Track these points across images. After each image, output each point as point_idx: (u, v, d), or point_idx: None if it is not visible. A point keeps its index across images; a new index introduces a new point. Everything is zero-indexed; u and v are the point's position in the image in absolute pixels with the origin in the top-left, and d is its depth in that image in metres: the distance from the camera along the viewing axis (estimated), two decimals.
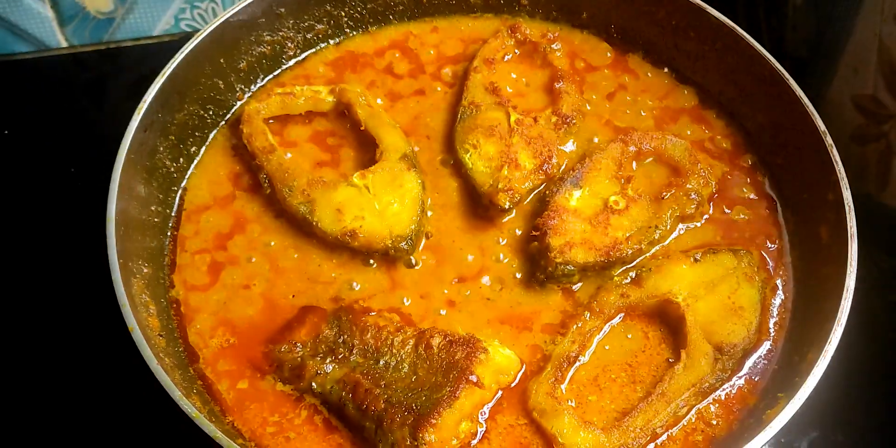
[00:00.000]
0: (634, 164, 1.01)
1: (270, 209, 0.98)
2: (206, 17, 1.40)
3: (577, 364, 0.86)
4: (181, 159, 1.00)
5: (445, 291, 0.93)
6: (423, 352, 0.83)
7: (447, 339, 0.84)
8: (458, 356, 0.82)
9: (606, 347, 0.88)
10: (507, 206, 0.95)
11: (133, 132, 0.90)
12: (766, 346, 0.90)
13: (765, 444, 0.77)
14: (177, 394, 0.74)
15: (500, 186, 0.95)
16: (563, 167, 1.00)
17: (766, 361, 0.89)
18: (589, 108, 1.06)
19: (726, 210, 0.99)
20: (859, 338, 0.90)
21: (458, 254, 0.95)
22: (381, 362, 0.84)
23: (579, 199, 0.95)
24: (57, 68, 1.36)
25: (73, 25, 1.36)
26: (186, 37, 1.35)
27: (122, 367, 0.82)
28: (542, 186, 0.98)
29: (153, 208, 0.95)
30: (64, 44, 1.37)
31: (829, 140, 0.94)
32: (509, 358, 0.85)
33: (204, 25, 1.36)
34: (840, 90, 1.24)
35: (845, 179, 0.91)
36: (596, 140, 1.04)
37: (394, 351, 0.84)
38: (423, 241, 0.96)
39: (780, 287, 0.94)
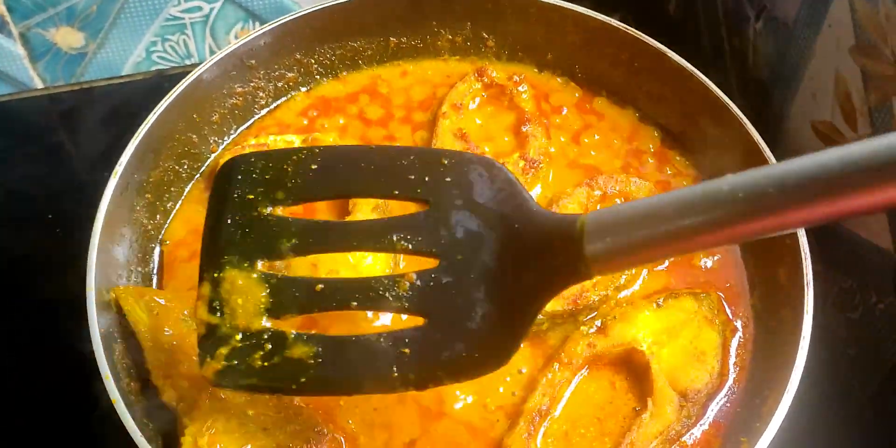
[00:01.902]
0: (599, 206, 1.03)
1: None
2: (177, 50, 1.41)
3: (549, 418, 0.90)
4: (158, 216, 1.02)
5: None
6: None
7: None
8: None
9: (576, 401, 0.91)
10: None
11: (109, 197, 0.91)
12: (729, 388, 0.94)
13: None
14: None
15: None
16: None
17: (728, 404, 0.93)
18: (554, 150, 1.09)
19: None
20: (820, 355, 0.93)
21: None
22: None
23: None
24: (32, 108, 1.37)
25: (44, 62, 1.36)
26: (159, 74, 1.38)
27: (103, 433, 0.84)
28: None
29: (132, 268, 0.97)
30: (37, 80, 1.38)
31: None
32: None
33: (175, 58, 1.39)
34: (800, 114, 1.27)
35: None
36: (564, 181, 1.07)
37: None
38: None
39: (740, 329, 0.97)
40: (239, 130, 1.11)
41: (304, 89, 1.14)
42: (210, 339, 0.70)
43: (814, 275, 0.92)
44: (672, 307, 0.95)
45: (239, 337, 0.69)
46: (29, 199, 1.26)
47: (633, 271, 0.98)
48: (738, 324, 0.98)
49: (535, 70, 1.16)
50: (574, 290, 0.94)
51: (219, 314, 0.70)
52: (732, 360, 0.95)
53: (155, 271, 1.00)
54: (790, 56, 1.26)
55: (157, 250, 1.01)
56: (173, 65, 1.41)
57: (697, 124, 1.08)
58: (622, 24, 1.08)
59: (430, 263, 0.69)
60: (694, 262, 1.01)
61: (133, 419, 0.78)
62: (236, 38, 1.26)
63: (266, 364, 0.69)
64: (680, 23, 1.45)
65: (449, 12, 1.14)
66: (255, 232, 0.71)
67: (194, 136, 1.05)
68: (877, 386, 1.10)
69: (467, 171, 0.70)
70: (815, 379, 0.92)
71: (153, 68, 1.41)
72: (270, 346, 0.69)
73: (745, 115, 1.02)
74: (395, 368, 0.67)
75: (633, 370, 0.93)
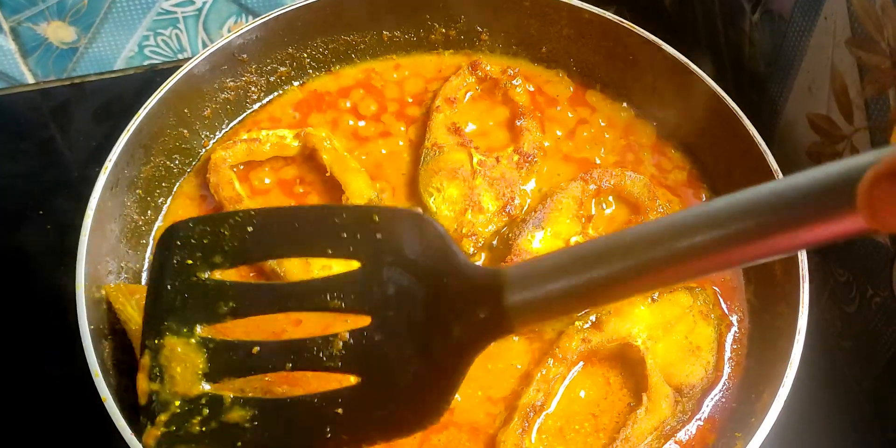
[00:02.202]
0: (595, 202, 1.03)
1: None
2: (170, 44, 1.40)
3: (544, 414, 0.89)
4: (149, 212, 1.01)
5: None
6: None
7: None
8: None
9: (570, 396, 0.91)
10: (471, 252, 0.97)
11: (99, 193, 0.91)
12: (724, 383, 0.93)
13: None
14: None
15: (463, 231, 0.97)
16: (525, 207, 1.03)
17: (723, 400, 0.92)
18: (548, 144, 1.08)
19: None
20: (816, 349, 0.93)
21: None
22: None
23: (542, 240, 0.98)
24: (23, 104, 1.36)
25: (35, 56, 1.36)
26: (152, 69, 1.37)
27: (92, 429, 0.83)
28: (504, 228, 1.01)
29: (123, 265, 0.96)
30: (28, 75, 1.37)
31: (780, 177, 0.96)
32: None
33: (168, 52, 1.39)
34: (796, 107, 1.26)
35: None
36: (559, 175, 1.06)
37: None
38: None
39: (736, 324, 0.97)
40: (231, 125, 1.10)
41: (296, 84, 1.14)
42: (150, 405, 0.72)
43: (809, 269, 0.91)
44: (667, 302, 0.94)
45: (178, 403, 0.71)
46: (20, 194, 1.25)
47: None
48: (734, 319, 0.97)
49: (530, 63, 1.16)
50: None
51: (159, 381, 0.72)
52: (728, 354, 0.95)
53: (146, 268, 0.99)
54: (786, 49, 1.25)
55: (148, 247, 1.00)
56: (166, 59, 1.40)
57: (693, 118, 1.07)
58: (617, 17, 1.07)
59: (363, 320, 0.70)
60: None
61: (123, 416, 0.78)
62: (229, 32, 1.25)
63: (204, 429, 0.70)
64: (675, 15, 1.44)
65: (442, 5, 1.13)
66: (194, 297, 0.73)
67: (186, 131, 1.04)
68: (873, 379, 1.09)
69: (398, 227, 0.71)
70: (811, 372, 0.92)
71: (146, 63, 1.40)
72: (208, 411, 0.71)
73: (740, 108, 1.01)
74: (328, 429, 0.68)
75: (628, 365, 0.93)
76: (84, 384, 0.81)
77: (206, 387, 0.71)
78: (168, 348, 0.72)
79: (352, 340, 0.69)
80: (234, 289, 0.73)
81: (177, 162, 1.04)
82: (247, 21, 1.36)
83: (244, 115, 1.11)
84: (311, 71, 1.14)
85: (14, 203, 1.24)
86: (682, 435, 0.90)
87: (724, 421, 0.91)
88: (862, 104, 1.04)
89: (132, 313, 0.89)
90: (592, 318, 0.93)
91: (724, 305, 0.98)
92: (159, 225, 1.02)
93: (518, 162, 1.04)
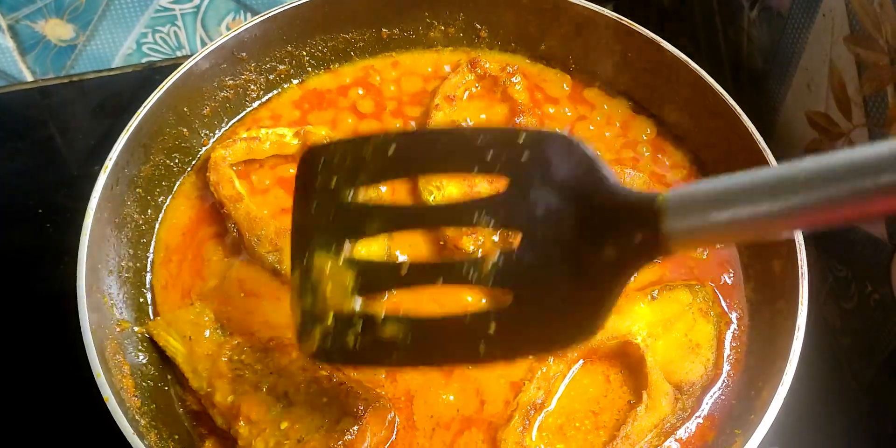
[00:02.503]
0: None
1: (240, 255, 1.00)
2: (168, 42, 1.40)
3: (544, 411, 0.90)
4: (149, 211, 1.01)
5: None
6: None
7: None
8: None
9: (571, 394, 0.91)
10: (471, 250, 0.97)
11: (99, 193, 0.91)
12: (723, 381, 0.94)
13: None
14: None
15: (463, 230, 0.97)
16: None
17: (723, 397, 0.93)
18: None
19: None
20: (815, 345, 0.94)
21: (424, 298, 0.97)
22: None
23: None
24: (22, 102, 1.36)
25: (33, 54, 1.35)
26: (150, 67, 1.37)
27: (94, 429, 0.83)
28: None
29: (124, 264, 0.96)
30: (27, 73, 1.37)
31: None
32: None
33: (167, 49, 1.39)
34: (794, 104, 1.27)
35: None
36: None
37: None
38: None
39: (735, 321, 0.97)
40: (230, 123, 1.10)
41: (295, 82, 1.14)
42: (305, 322, 0.74)
43: (808, 265, 0.92)
44: (667, 299, 0.95)
45: (331, 319, 0.73)
46: (19, 193, 1.25)
47: None
48: (733, 316, 0.98)
49: (529, 61, 1.16)
50: None
51: (310, 299, 0.73)
52: (727, 352, 0.95)
53: (149, 269, 1.00)
54: (784, 46, 1.25)
55: (150, 246, 1.00)
56: (164, 57, 1.40)
57: (691, 115, 1.07)
58: (615, 14, 1.07)
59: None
60: (694, 253, 1.01)
61: (125, 415, 0.78)
62: (228, 29, 1.25)
63: (358, 344, 0.72)
64: (674, 12, 1.44)
65: (441, 3, 1.13)
66: (340, 217, 0.73)
67: (185, 130, 1.05)
68: (872, 375, 1.10)
69: (545, 148, 0.69)
70: (810, 368, 0.92)
71: (144, 60, 1.40)
72: (361, 328, 0.72)
73: (739, 105, 1.01)
74: (482, 346, 0.68)
75: (628, 363, 0.93)
76: (85, 384, 0.81)
77: (358, 302, 0.72)
78: (317, 267, 0.73)
79: (502, 260, 0.69)
80: (379, 209, 0.73)
81: (176, 161, 1.04)
82: (245, 18, 1.36)
83: (244, 113, 1.11)
84: (310, 69, 1.14)
85: (13, 202, 1.25)
86: (681, 432, 0.90)
87: (723, 418, 0.91)
88: (860, 101, 1.04)
89: (177, 346, 0.92)
90: None
91: (723, 303, 0.98)
92: (160, 224, 1.02)
93: None
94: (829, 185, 0.55)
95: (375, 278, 0.73)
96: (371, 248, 0.96)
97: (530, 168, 0.69)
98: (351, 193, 0.73)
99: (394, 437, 0.88)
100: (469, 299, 0.95)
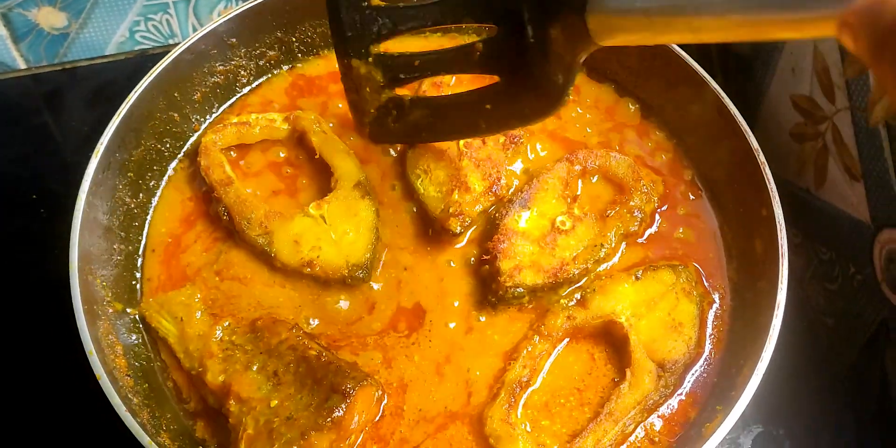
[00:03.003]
0: (580, 182, 1.05)
1: (231, 239, 1.01)
2: (161, 29, 1.40)
3: (530, 389, 0.91)
4: (141, 195, 1.02)
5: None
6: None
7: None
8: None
9: (556, 372, 0.93)
10: (458, 231, 0.99)
11: (91, 176, 0.92)
12: (705, 359, 0.95)
13: None
14: (146, 439, 0.78)
15: (451, 211, 0.99)
16: (511, 188, 1.04)
17: (705, 375, 0.94)
18: (536, 125, 1.10)
19: (666, 226, 1.03)
20: (799, 327, 0.95)
21: (412, 279, 0.99)
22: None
23: (528, 220, 0.99)
24: (15, 89, 1.37)
25: (27, 42, 1.36)
26: (143, 54, 1.38)
27: (88, 408, 0.84)
28: (491, 208, 1.02)
29: (116, 246, 0.98)
30: (20, 61, 1.38)
31: (762, 158, 0.98)
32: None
33: (159, 37, 1.39)
34: (780, 89, 1.28)
35: (777, 197, 0.96)
36: (543, 154, 1.08)
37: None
38: (379, 267, 1.00)
39: (718, 301, 0.99)
40: (221, 109, 1.12)
41: (285, 68, 1.15)
42: (356, 112, 0.94)
43: (794, 247, 0.93)
44: (650, 280, 0.96)
45: (373, 110, 0.93)
46: (13, 179, 1.26)
47: (613, 245, 0.99)
48: (716, 296, 0.99)
49: None
50: (554, 263, 0.96)
51: (354, 93, 0.92)
52: (709, 331, 0.97)
53: (141, 252, 1.01)
54: None
55: (144, 230, 1.02)
56: (157, 44, 1.41)
57: (677, 99, 1.09)
58: None
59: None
60: (673, 232, 1.03)
61: (118, 394, 0.80)
62: (219, 16, 1.26)
63: (397, 125, 0.92)
64: None
65: None
66: (364, 21, 0.88)
67: (176, 115, 1.06)
68: (854, 356, 1.11)
69: None
70: (794, 349, 0.94)
71: (136, 48, 1.41)
72: (396, 112, 0.92)
73: (725, 90, 1.03)
74: (482, 121, 0.87)
75: (612, 342, 0.94)
76: (80, 364, 0.83)
77: (390, 94, 0.91)
78: (355, 69, 0.90)
79: (485, 48, 0.84)
80: (392, 9, 0.87)
81: (168, 145, 1.06)
82: (236, 5, 1.37)
83: (234, 98, 1.13)
84: (299, 55, 1.15)
85: (7, 188, 1.26)
86: (664, 409, 0.92)
87: (705, 395, 0.93)
88: (843, 85, 1.05)
89: (168, 326, 0.94)
90: (577, 296, 0.95)
91: (706, 283, 1.00)
92: (152, 208, 1.04)
93: (504, 143, 1.05)
94: None
95: (397, 70, 0.89)
96: (360, 230, 0.98)
97: None
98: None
99: (379, 414, 0.90)
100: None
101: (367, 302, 0.98)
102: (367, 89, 0.91)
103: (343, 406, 0.85)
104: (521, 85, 0.83)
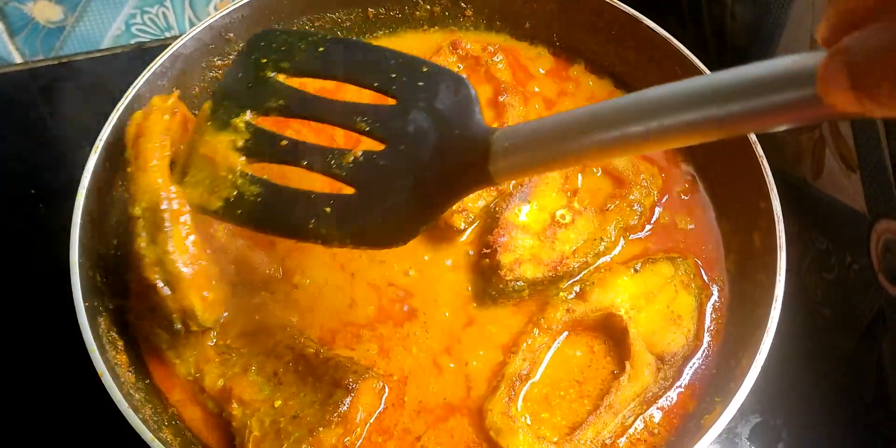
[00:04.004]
0: (580, 176, 1.05)
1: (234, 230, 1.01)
2: (157, 22, 1.40)
3: (529, 382, 0.92)
4: None
5: (405, 309, 0.97)
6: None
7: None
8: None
9: (555, 364, 0.94)
10: (462, 227, 0.99)
11: (90, 173, 0.92)
12: (704, 351, 0.96)
13: None
14: (148, 435, 0.79)
15: (454, 208, 0.99)
16: (512, 182, 1.04)
17: (703, 366, 0.95)
18: (532, 118, 1.10)
19: (665, 219, 1.04)
20: (796, 317, 0.96)
21: (413, 273, 0.99)
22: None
23: (528, 214, 1.00)
24: (11, 83, 1.36)
25: (22, 36, 1.36)
26: (139, 47, 1.37)
27: (90, 404, 0.84)
28: (494, 202, 1.02)
29: (115, 242, 0.97)
30: (16, 55, 1.38)
31: (759, 150, 0.98)
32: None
33: (155, 30, 1.39)
34: None
35: (775, 189, 0.96)
36: None
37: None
38: None
39: (716, 293, 1.00)
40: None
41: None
42: (190, 169, 0.85)
43: (790, 237, 0.94)
44: (649, 272, 0.97)
45: (222, 171, 0.84)
46: (10, 174, 1.26)
47: (612, 238, 1.00)
48: (714, 288, 1.00)
49: (514, 39, 1.17)
50: (554, 256, 0.96)
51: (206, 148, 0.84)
52: (708, 323, 0.98)
53: None
54: (767, 22, 1.27)
55: None
56: (153, 37, 1.41)
57: None
58: None
59: (378, 147, 0.80)
60: (672, 225, 1.03)
61: (119, 390, 0.80)
62: (216, 9, 1.26)
63: (230, 196, 0.83)
64: None
65: None
66: (256, 87, 0.84)
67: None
68: (851, 346, 1.12)
69: (439, 81, 0.79)
70: (791, 339, 0.94)
71: (133, 41, 1.41)
72: (232, 183, 0.83)
73: None
74: (312, 221, 0.79)
75: (612, 334, 0.95)
76: (82, 360, 0.83)
77: (242, 160, 0.83)
78: (219, 123, 0.84)
79: (362, 158, 0.79)
80: (289, 91, 0.84)
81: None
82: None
83: None
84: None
85: (6, 183, 1.26)
86: (663, 401, 0.93)
87: (703, 387, 0.94)
88: None
89: (160, 332, 0.92)
90: (577, 289, 0.96)
91: (704, 275, 1.00)
92: None
93: None
94: (619, 126, 0.62)
95: (260, 144, 0.83)
96: None
97: (420, 94, 0.79)
98: (272, 74, 0.84)
99: (381, 406, 0.90)
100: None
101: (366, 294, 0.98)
102: (220, 144, 0.84)
103: (347, 400, 0.85)
104: (374, 206, 0.78)
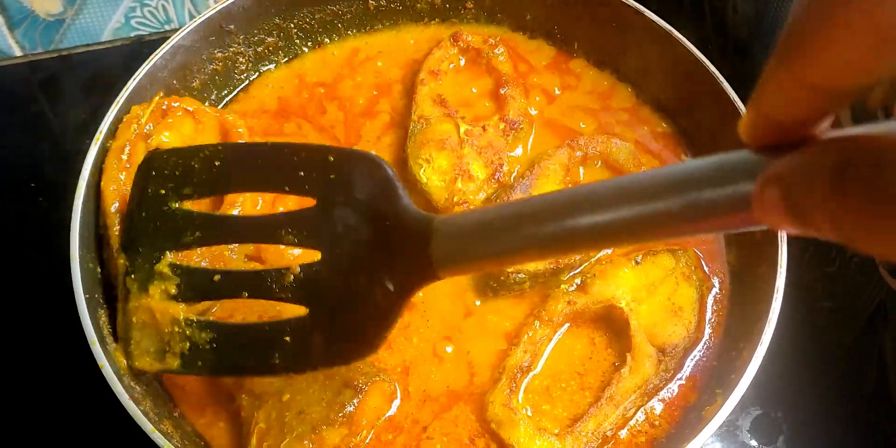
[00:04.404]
0: (581, 168, 1.05)
1: None
2: (157, 15, 1.40)
3: (531, 374, 0.92)
4: None
5: None
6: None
7: None
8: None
9: (557, 356, 0.94)
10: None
11: (90, 166, 0.92)
12: (705, 343, 0.96)
13: None
14: (149, 427, 0.79)
15: (455, 200, 0.99)
16: (514, 174, 1.04)
17: (704, 358, 0.95)
18: (535, 111, 1.10)
19: None
20: (797, 310, 0.96)
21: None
22: None
23: None
24: (11, 77, 1.36)
25: (22, 29, 1.36)
26: (139, 40, 1.37)
27: (91, 395, 0.84)
28: (494, 194, 1.02)
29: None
30: (15, 48, 1.38)
31: None
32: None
33: (155, 23, 1.39)
34: None
35: None
36: (543, 140, 1.08)
37: None
38: None
39: (717, 285, 1.00)
40: (220, 95, 1.11)
41: (284, 61, 1.15)
42: (132, 334, 0.81)
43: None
44: (650, 264, 0.97)
45: (153, 334, 0.80)
46: (11, 167, 1.26)
47: None
48: (715, 280, 1.00)
49: (514, 32, 1.17)
50: None
51: (137, 304, 0.81)
52: (709, 315, 0.98)
53: None
54: (768, 16, 1.27)
55: None
56: (153, 30, 1.41)
57: (676, 84, 1.09)
58: None
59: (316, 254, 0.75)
60: None
61: (120, 382, 0.80)
62: (216, 2, 1.25)
63: (183, 352, 0.79)
64: None
65: None
66: (165, 225, 0.79)
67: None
68: (852, 339, 1.12)
69: (351, 168, 0.74)
70: (792, 332, 0.94)
71: (133, 34, 1.41)
72: (181, 335, 0.79)
73: (724, 74, 1.02)
74: (276, 354, 0.75)
75: (613, 326, 0.95)
76: (82, 351, 0.83)
77: (181, 307, 0.78)
78: (142, 276, 0.80)
79: (302, 274, 0.74)
80: (201, 219, 0.78)
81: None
82: None
83: (237, 90, 1.12)
84: (297, 41, 1.15)
85: (6, 177, 1.25)
86: (664, 393, 0.93)
87: (704, 379, 0.94)
88: None
89: None
90: (578, 281, 0.96)
91: (705, 267, 1.00)
92: None
93: (504, 130, 1.05)
94: (557, 221, 0.58)
95: (193, 285, 0.78)
96: None
97: (336, 188, 0.74)
98: (177, 204, 0.79)
99: (392, 411, 0.90)
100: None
101: None
102: (153, 300, 0.80)
103: (355, 401, 0.85)
104: (332, 322, 0.73)
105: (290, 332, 0.74)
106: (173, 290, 0.78)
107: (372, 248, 0.71)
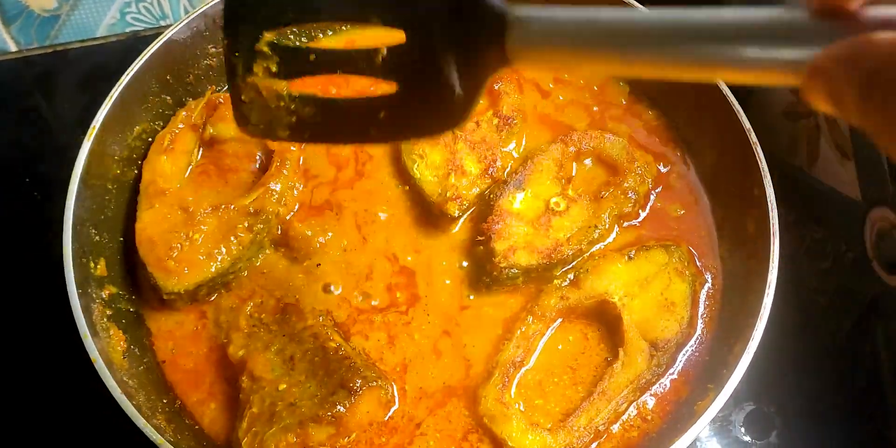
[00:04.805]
0: (575, 164, 1.05)
1: None
2: (152, 11, 1.40)
3: (523, 369, 0.92)
4: (135, 178, 1.02)
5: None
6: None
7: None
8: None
9: (549, 351, 0.94)
10: (456, 215, 0.99)
11: (83, 161, 0.92)
12: (697, 338, 0.96)
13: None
14: (141, 421, 0.79)
15: (448, 195, 0.99)
16: (507, 169, 1.04)
17: (696, 353, 0.95)
18: (526, 106, 1.10)
19: (659, 206, 1.04)
20: (790, 304, 0.96)
21: (410, 261, 1.00)
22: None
23: (522, 201, 1.00)
24: (6, 72, 1.36)
25: (17, 24, 1.36)
26: (134, 36, 1.37)
27: (83, 390, 0.85)
28: (487, 190, 1.02)
29: (107, 234, 0.97)
30: (11, 43, 1.38)
31: (754, 138, 0.98)
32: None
33: (150, 19, 1.39)
34: None
35: (769, 177, 0.96)
36: (536, 135, 1.08)
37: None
38: None
39: (710, 280, 1.00)
40: (215, 91, 1.11)
41: None
42: (238, 102, 0.82)
43: (785, 225, 0.94)
44: (643, 259, 0.97)
45: (260, 101, 0.81)
46: (5, 163, 1.26)
47: (607, 226, 1.00)
48: (708, 275, 1.00)
49: None
50: (548, 243, 0.96)
51: (242, 81, 0.81)
52: (701, 310, 0.98)
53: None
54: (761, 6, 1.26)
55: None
56: (148, 26, 1.41)
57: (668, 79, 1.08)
58: None
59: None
60: (665, 213, 1.03)
61: (112, 377, 0.80)
62: None
63: (282, 120, 0.81)
64: None
65: None
66: (261, 7, 0.79)
67: (169, 98, 1.06)
68: (845, 334, 1.12)
69: None
70: (786, 328, 0.94)
71: (128, 30, 1.40)
72: (283, 107, 0.81)
73: None
74: (373, 129, 0.78)
75: (605, 321, 0.95)
76: (75, 346, 0.83)
77: (284, 83, 0.80)
78: (247, 52, 0.80)
79: (388, 54, 0.76)
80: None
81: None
82: None
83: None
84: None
85: (0, 171, 1.25)
86: (657, 388, 0.93)
87: (697, 374, 0.94)
88: None
89: None
90: (570, 276, 0.96)
91: (698, 262, 1.01)
92: None
93: (498, 125, 1.05)
94: (670, 42, 0.58)
95: (292, 62, 0.80)
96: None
97: None
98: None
99: (385, 418, 0.91)
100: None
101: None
102: (257, 78, 0.82)
103: (346, 403, 0.85)
104: (421, 98, 0.78)
105: (385, 107, 0.77)
106: (274, 68, 0.80)
107: (458, 32, 0.72)
